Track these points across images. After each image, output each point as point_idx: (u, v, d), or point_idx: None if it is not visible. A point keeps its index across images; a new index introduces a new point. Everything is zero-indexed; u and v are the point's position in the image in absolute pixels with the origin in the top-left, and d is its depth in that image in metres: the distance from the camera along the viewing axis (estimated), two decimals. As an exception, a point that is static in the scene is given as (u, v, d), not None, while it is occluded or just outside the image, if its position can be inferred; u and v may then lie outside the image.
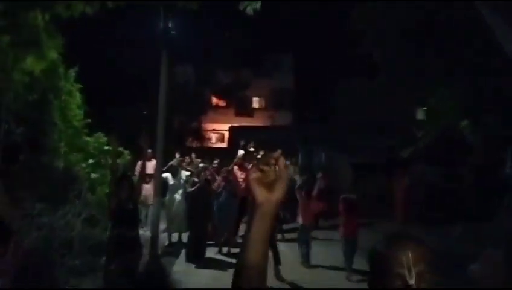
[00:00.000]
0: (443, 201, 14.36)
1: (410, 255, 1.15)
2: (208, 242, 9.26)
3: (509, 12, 5.84)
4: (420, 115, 25.31)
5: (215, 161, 11.29)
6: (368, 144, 17.21)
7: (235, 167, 10.88)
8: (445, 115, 9.85)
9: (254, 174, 1.16)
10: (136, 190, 5.79)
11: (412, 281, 1.13)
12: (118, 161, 7.49)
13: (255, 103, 31.78)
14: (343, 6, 13.16)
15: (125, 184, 5.57)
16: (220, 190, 9.52)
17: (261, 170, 1.15)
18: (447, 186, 15.19)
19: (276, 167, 1.15)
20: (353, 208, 7.76)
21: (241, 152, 11.46)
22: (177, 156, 10.68)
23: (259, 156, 11.04)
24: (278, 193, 1.15)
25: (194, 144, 23.42)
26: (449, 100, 9.58)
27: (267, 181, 1.15)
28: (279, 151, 1.18)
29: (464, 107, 9.43)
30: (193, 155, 11.93)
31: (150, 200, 9.47)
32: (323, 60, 27.38)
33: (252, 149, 11.46)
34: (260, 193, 1.14)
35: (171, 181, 9.92)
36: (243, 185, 11.14)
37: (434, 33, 10.49)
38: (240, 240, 10.45)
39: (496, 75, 8.08)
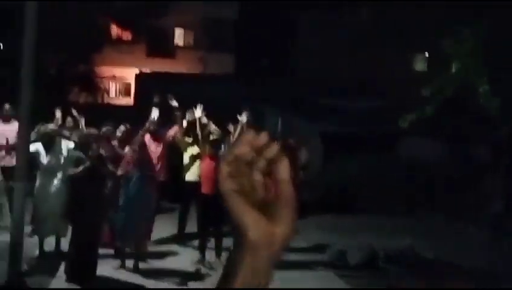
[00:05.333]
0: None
1: None
2: (103, 251, 9.15)
3: None
4: (420, 65, 25.99)
5: (122, 127, 10.80)
6: (347, 107, 17.46)
7: (147, 137, 10.73)
8: (464, 66, 10.06)
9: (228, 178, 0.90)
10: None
11: None
12: None
13: (178, 37, 31.55)
14: None
15: None
16: (127, 173, 9.44)
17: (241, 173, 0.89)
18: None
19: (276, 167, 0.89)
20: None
21: (155, 112, 11.19)
22: (58, 115, 10.30)
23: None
24: (286, 224, 0.90)
25: (83, 99, 22.91)
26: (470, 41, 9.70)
27: (259, 198, 0.89)
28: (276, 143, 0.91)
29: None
30: (76, 115, 11.10)
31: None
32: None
33: (174, 104, 11.11)
34: (252, 222, 0.89)
35: (44, 158, 9.61)
36: (159, 165, 10.96)
37: None
38: (152, 248, 10.32)
39: None
